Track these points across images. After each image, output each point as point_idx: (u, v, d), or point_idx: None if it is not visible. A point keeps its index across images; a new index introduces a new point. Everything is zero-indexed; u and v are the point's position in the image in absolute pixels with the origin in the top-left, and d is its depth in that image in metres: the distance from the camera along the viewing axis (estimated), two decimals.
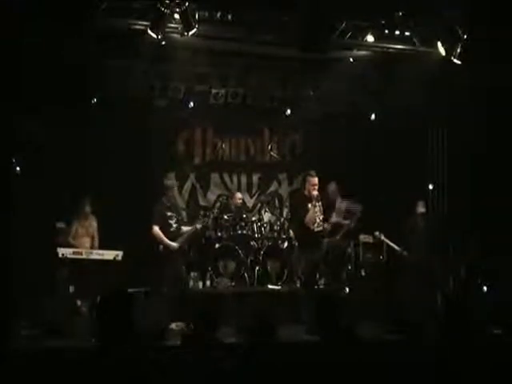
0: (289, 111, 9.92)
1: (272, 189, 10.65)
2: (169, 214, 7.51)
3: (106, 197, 8.08)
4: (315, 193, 7.31)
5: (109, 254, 7.41)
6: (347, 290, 8.35)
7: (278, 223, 9.51)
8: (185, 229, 7.68)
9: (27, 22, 6.24)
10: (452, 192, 9.00)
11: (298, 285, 8.25)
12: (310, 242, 7.29)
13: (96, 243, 8.01)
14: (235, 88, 9.35)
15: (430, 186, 9.08)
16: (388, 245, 8.41)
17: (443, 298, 6.54)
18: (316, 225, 7.29)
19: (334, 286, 8.40)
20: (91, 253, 7.56)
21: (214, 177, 10.37)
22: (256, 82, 9.30)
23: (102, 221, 8.03)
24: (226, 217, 9.13)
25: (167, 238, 7.45)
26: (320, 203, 7.35)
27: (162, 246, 7.41)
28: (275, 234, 9.39)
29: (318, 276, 8.13)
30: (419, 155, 9.24)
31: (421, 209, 8.51)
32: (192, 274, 8.65)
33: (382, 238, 8.42)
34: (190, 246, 8.66)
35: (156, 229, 7.43)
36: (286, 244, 9.31)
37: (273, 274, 8.97)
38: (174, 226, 7.54)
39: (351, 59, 8.29)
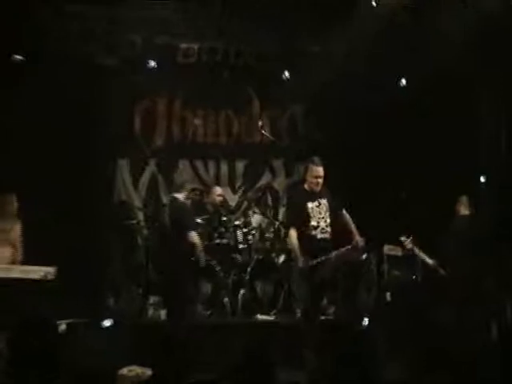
0: (287, 75, 9.98)
1: (263, 181, 10.80)
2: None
3: (34, 192, 8.26)
4: (319, 187, 7.37)
5: (36, 271, 7.42)
6: (366, 321, 8.37)
7: (272, 229, 9.62)
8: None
9: None
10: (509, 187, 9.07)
11: (299, 314, 8.20)
12: (313, 255, 7.28)
13: (19, 256, 8.03)
14: (213, 41, 9.48)
15: (482, 179, 9.08)
16: (421, 258, 8.55)
17: (499, 328, 6.92)
18: (320, 230, 7.34)
19: (347, 317, 8.51)
20: (11, 269, 7.54)
21: (183, 165, 10.47)
22: (242, 32, 9.37)
23: (29, 225, 8.07)
24: (199, 220, 9.11)
25: None
26: (326, 201, 7.41)
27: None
28: (267, 244, 9.50)
29: (325, 302, 8.25)
30: (462, 136, 9.25)
31: (463, 209, 8.63)
32: (152, 298, 8.85)
33: (411, 245, 8.52)
34: (148, 261, 8.93)
35: None
36: (282, 258, 9.38)
37: (264, 300, 9.06)
38: None
39: (375, 1, 8.38)
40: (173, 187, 8.38)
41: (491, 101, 9.19)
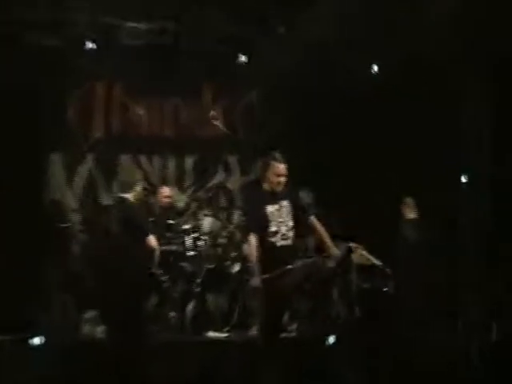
0: (244, 58, 9.95)
1: (216, 180, 10.73)
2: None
3: None
4: (280, 187, 7.20)
5: None
6: (332, 339, 8.19)
7: (225, 234, 9.55)
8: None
9: None
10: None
11: (256, 331, 8.03)
12: (273, 264, 7.10)
13: None
14: (162, 21, 9.40)
15: (463, 179, 9.27)
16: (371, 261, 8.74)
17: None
18: (280, 236, 7.17)
19: (312, 334, 8.46)
20: None
21: (125, 160, 10.40)
22: (194, 11, 9.31)
23: None
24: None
25: None
26: (288, 202, 7.22)
27: None
28: (220, 251, 9.45)
29: (287, 318, 8.20)
30: (441, 129, 9.42)
31: (409, 212, 8.91)
32: (88, 313, 8.76)
33: (361, 251, 8.64)
34: (82, 270, 9.00)
35: None
36: (237, 267, 9.31)
37: (216, 315, 9.03)
38: None
39: None
40: (122, 186, 8.24)
41: (473, 93, 9.48)
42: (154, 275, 8.52)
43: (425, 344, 7.91)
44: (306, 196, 8.48)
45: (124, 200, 7.89)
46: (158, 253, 7.84)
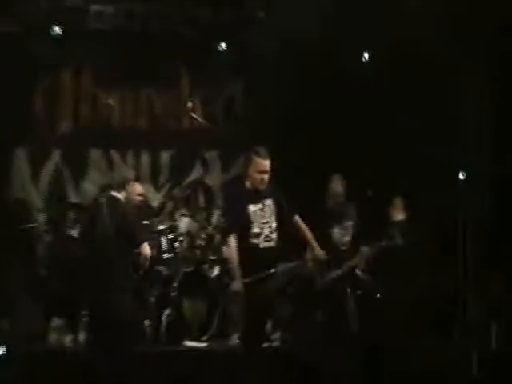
0: (224, 46, 9.90)
1: (194, 176, 10.70)
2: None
3: None
4: (264, 185, 7.13)
5: None
6: (317, 349, 8.06)
7: (204, 235, 9.50)
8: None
9: None
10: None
11: (237, 340, 8.19)
12: (255, 268, 7.02)
13: None
14: (131, 3, 9.46)
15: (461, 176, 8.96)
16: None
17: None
18: (263, 238, 7.10)
19: (297, 344, 8.42)
20: None
21: (95, 155, 10.35)
22: None
23: None
24: None
25: None
26: (271, 201, 7.16)
27: None
28: (198, 254, 9.41)
29: (269, 326, 8.22)
30: (437, 124, 9.34)
31: (397, 213, 8.88)
32: (55, 320, 8.68)
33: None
34: (50, 274, 8.88)
35: None
36: (216, 270, 9.35)
37: (193, 323, 8.94)
38: None
39: None
40: (113, 184, 8.06)
41: (472, 85, 9.46)
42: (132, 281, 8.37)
43: (420, 352, 7.91)
44: None
45: (116, 200, 7.77)
46: (148, 262, 7.74)
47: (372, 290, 8.79)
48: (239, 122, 10.70)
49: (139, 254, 7.58)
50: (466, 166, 9.13)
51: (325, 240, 7.79)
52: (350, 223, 8.40)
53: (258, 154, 7.13)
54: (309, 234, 7.30)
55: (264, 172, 7.09)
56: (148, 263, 7.74)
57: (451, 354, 8.03)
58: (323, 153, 9.93)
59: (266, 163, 7.10)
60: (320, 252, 7.25)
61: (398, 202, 8.92)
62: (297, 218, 7.30)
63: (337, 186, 8.54)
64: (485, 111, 9.50)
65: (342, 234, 8.27)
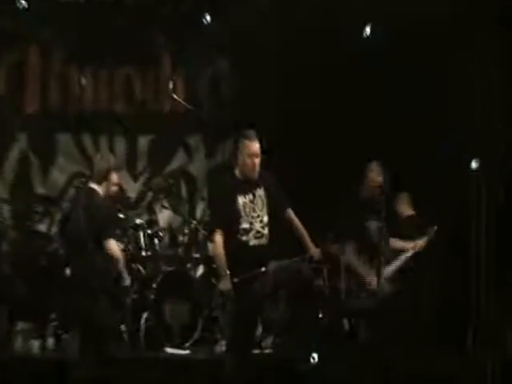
0: (209, 18, 9.76)
1: (175, 164, 10.58)
2: None
3: None
4: (255, 172, 7.08)
5: None
6: (315, 357, 7.91)
7: (187, 230, 9.43)
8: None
9: None
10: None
11: (224, 347, 8.03)
12: (244, 268, 7.01)
13: None
14: None
15: (474, 164, 9.06)
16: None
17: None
18: (253, 234, 7.05)
19: (290, 351, 8.37)
20: None
21: (65, 140, 10.25)
22: None
23: None
24: None
25: None
26: (263, 191, 7.14)
27: None
28: (181, 251, 9.35)
29: (260, 331, 8.20)
30: (444, 107, 9.30)
31: (405, 209, 8.89)
32: (20, 325, 8.63)
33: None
34: (15, 272, 8.84)
35: None
36: (200, 270, 9.37)
37: (175, 328, 8.80)
38: None
39: None
40: (93, 175, 7.95)
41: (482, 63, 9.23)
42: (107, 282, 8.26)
43: (432, 363, 7.93)
44: None
45: (90, 192, 7.67)
46: (119, 261, 7.69)
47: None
48: (226, 104, 10.62)
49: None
50: (477, 150, 9.20)
51: (361, 234, 7.79)
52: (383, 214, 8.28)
53: (247, 137, 7.08)
54: (302, 230, 7.25)
55: (255, 155, 7.04)
56: (120, 262, 7.64)
57: (464, 362, 8.03)
58: (323, 136, 9.84)
59: (257, 146, 7.07)
60: (315, 250, 7.19)
61: (405, 196, 8.97)
62: (290, 211, 7.25)
63: (375, 173, 8.26)
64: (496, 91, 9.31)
65: (379, 228, 7.99)
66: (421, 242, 8.34)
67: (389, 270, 8.06)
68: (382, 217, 7.88)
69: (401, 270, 8.33)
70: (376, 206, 7.83)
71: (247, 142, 7.07)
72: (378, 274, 7.78)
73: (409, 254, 8.28)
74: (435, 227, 8.32)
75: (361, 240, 7.76)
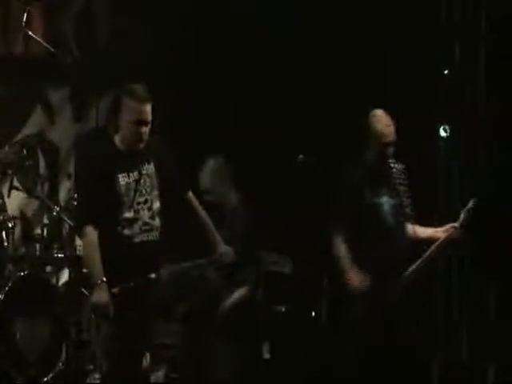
0: None
1: (30, 129, 10.54)
2: None
3: None
4: (142, 142, 6.99)
5: None
6: None
7: (46, 220, 9.57)
8: None
9: None
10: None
11: (98, 381, 8.62)
12: (127, 273, 6.94)
13: None
14: None
15: (442, 132, 9.66)
16: None
17: None
18: (139, 226, 6.99)
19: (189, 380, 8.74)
20: None
21: None
22: None
23: None
24: None
25: None
26: (153, 167, 7.08)
27: None
28: (38, 249, 9.40)
29: (148, 359, 7.87)
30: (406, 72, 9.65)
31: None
32: None
33: None
34: None
35: None
36: (65, 275, 9.60)
37: (30, 355, 8.86)
38: None
39: None
40: None
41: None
42: None
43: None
44: None
45: None
46: None
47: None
48: (102, 45, 10.64)
49: None
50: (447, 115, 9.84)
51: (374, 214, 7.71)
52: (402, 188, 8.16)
53: (132, 95, 6.94)
54: (207, 220, 7.26)
55: (143, 122, 6.90)
56: None
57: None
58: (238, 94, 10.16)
59: (146, 109, 6.94)
60: (226, 249, 7.26)
61: None
62: (190, 194, 7.26)
63: (383, 123, 7.99)
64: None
65: (395, 206, 7.80)
66: (455, 226, 7.81)
67: (407, 273, 7.70)
68: (400, 190, 7.71)
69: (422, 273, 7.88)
70: (388, 175, 7.65)
71: (132, 103, 6.92)
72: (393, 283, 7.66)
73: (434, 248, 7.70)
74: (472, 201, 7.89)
75: (363, 226, 7.58)
